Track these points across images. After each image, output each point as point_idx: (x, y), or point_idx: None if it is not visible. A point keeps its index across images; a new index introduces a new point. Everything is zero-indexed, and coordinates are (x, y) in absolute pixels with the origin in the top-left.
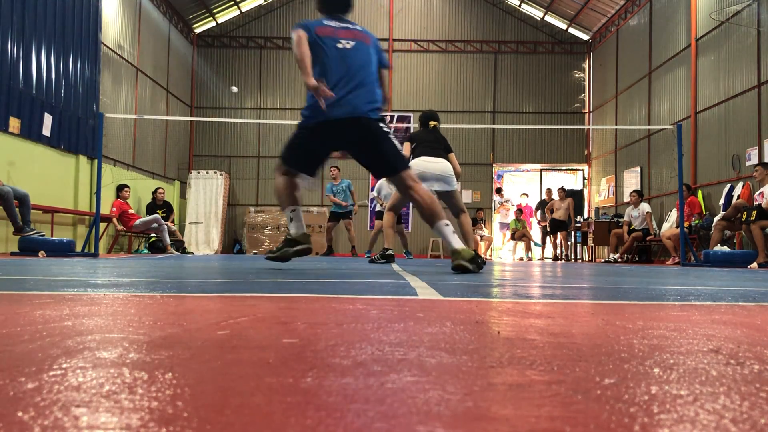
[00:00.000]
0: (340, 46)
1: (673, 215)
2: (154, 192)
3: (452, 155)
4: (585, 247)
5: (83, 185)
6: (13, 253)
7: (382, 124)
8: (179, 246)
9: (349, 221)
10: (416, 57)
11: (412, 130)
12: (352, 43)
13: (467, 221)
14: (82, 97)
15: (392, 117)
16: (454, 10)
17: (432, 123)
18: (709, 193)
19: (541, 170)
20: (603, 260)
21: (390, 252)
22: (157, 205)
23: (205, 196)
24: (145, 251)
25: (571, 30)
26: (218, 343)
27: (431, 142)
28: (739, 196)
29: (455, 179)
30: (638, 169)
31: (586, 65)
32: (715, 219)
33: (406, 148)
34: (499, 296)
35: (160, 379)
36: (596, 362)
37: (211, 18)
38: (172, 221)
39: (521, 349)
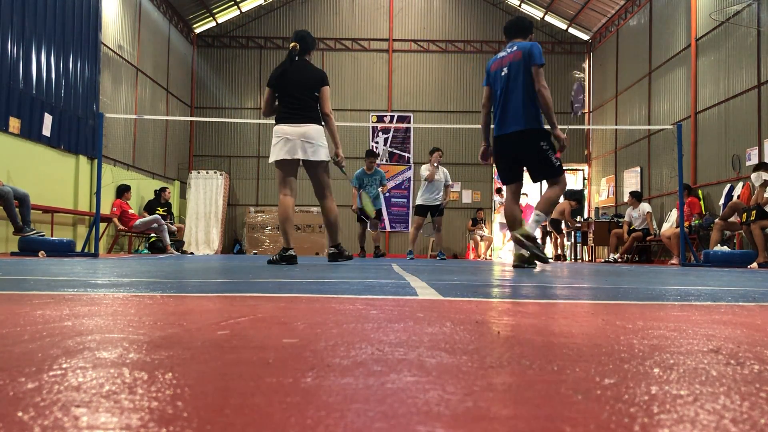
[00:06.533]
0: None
1: (673, 215)
2: (161, 191)
3: (324, 89)
4: (585, 247)
5: (83, 185)
6: (13, 253)
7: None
8: (179, 246)
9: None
10: (416, 57)
11: (412, 130)
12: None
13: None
14: (82, 97)
15: (392, 117)
16: (454, 10)
17: (292, 44)
18: (708, 193)
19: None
20: (603, 260)
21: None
22: (161, 203)
23: (205, 196)
24: (145, 251)
25: (571, 30)
26: (218, 343)
27: (291, 98)
28: (738, 197)
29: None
30: (638, 169)
31: (586, 65)
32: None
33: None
34: (499, 296)
35: (160, 379)
36: (596, 362)
37: (211, 18)
38: (171, 221)
39: (521, 349)
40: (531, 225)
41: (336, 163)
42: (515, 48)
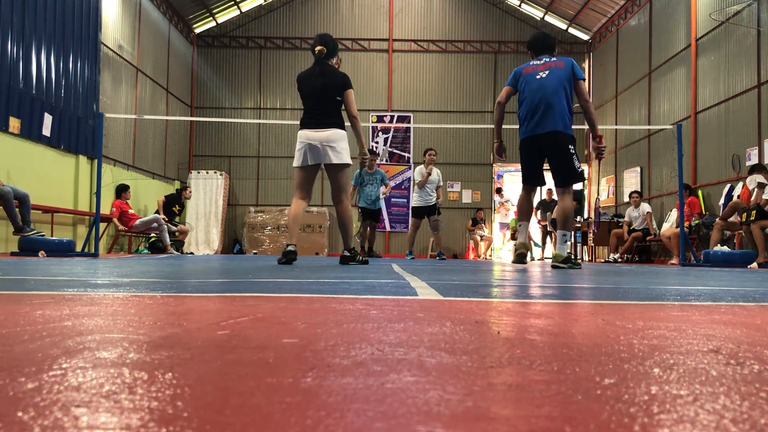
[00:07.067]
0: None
1: (673, 215)
2: (183, 189)
3: (347, 93)
4: (585, 247)
5: (83, 185)
6: (13, 253)
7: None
8: (179, 246)
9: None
10: (416, 57)
11: (412, 130)
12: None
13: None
14: (82, 97)
15: (392, 117)
16: (454, 10)
17: (317, 48)
18: (708, 193)
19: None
20: (603, 260)
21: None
22: (180, 201)
23: (205, 196)
24: (145, 251)
25: (571, 30)
26: (218, 343)
27: (313, 104)
28: (738, 196)
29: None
30: (638, 169)
31: (586, 65)
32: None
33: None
34: (499, 296)
35: (160, 379)
36: (596, 362)
37: (211, 18)
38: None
39: (521, 349)
40: (561, 247)
41: (362, 161)
42: (554, 59)
